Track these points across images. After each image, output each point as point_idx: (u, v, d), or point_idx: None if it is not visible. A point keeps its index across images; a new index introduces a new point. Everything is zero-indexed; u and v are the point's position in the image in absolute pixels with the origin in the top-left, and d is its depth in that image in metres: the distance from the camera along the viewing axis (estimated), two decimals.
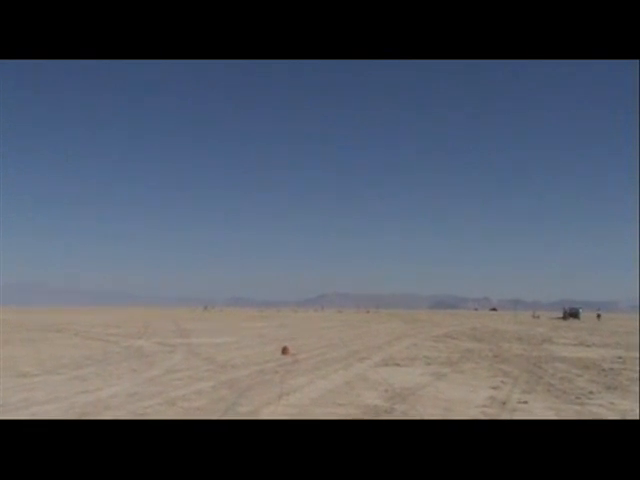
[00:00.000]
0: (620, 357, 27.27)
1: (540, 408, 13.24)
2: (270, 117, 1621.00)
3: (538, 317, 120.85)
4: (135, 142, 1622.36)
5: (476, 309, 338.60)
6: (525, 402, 14.04)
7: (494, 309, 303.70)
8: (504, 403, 13.90)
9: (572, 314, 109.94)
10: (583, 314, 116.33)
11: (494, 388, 16.51)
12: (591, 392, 15.97)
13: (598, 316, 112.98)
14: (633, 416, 12.47)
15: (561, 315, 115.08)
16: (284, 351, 26.79)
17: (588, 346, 35.08)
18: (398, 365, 22.52)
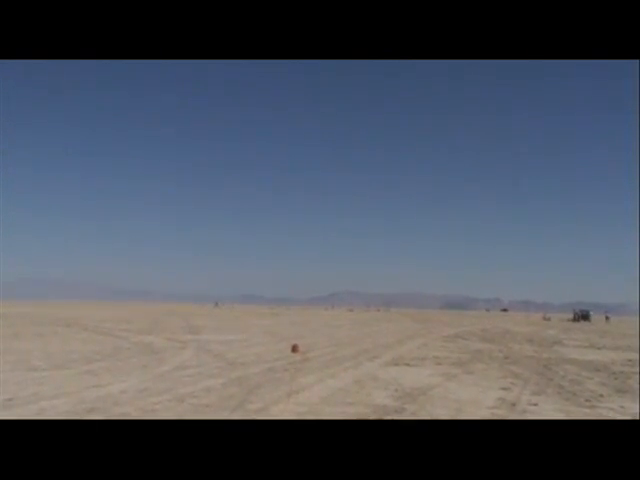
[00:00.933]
0: (630, 360, 27.10)
1: (550, 410, 13.18)
2: (286, 117, 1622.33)
3: (549, 319, 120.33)
4: (146, 139, 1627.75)
5: (488, 310, 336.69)
6: (535, 404, 13.97)
7: (505, 310, 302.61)
8: (514, 404, 13.84)
9: (583, 316, 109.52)
10: (593, 316, 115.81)
11: (504, 389, 16.45)
12: (601, 395, 15.89)
13: (607, 318, 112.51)
14: None
15: (572, 317, 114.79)
16: (294, 349, 26.78)
17: (599, 348, 34.90)
18: (408, 365, 22.46)
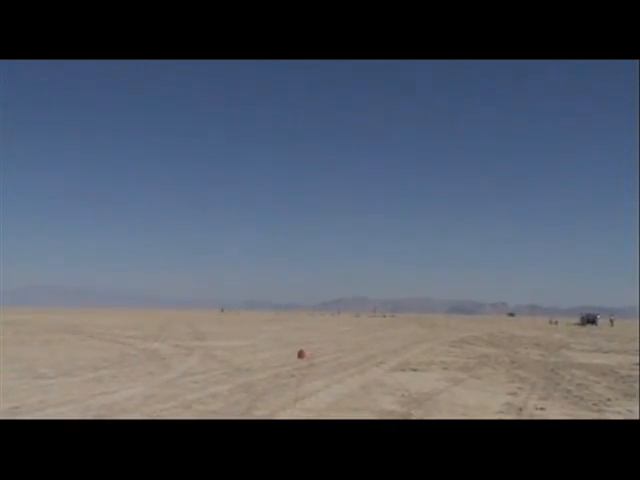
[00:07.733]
0: (637, 364, 26.99)
1: (557, 415, 13.14)
2: (285, 116, 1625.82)
3: (556, 323, 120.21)
4: (151, 143, 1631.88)
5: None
6: (542, 408, 13.93)
7: (511, 314, 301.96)
8: (521, 409, 13.81)
9: (590, 320, 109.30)
10: (600, 320, 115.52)
11: (511, 394, 16.42)
12: (609, 399, 15.84)
13: (611, 322, 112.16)
14: None
15: (579, 321, 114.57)
16: (300, 355, 26.74)
17: (606, 352, 34.84)
18: (414, 370, 22.45)
